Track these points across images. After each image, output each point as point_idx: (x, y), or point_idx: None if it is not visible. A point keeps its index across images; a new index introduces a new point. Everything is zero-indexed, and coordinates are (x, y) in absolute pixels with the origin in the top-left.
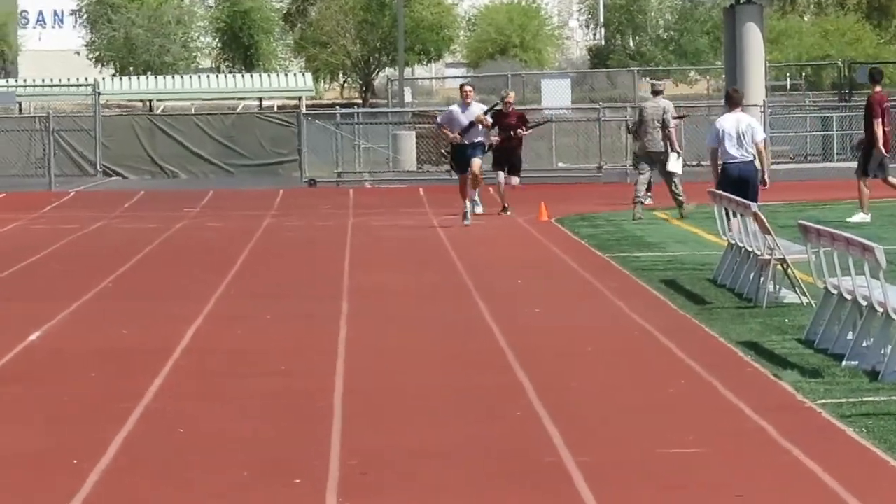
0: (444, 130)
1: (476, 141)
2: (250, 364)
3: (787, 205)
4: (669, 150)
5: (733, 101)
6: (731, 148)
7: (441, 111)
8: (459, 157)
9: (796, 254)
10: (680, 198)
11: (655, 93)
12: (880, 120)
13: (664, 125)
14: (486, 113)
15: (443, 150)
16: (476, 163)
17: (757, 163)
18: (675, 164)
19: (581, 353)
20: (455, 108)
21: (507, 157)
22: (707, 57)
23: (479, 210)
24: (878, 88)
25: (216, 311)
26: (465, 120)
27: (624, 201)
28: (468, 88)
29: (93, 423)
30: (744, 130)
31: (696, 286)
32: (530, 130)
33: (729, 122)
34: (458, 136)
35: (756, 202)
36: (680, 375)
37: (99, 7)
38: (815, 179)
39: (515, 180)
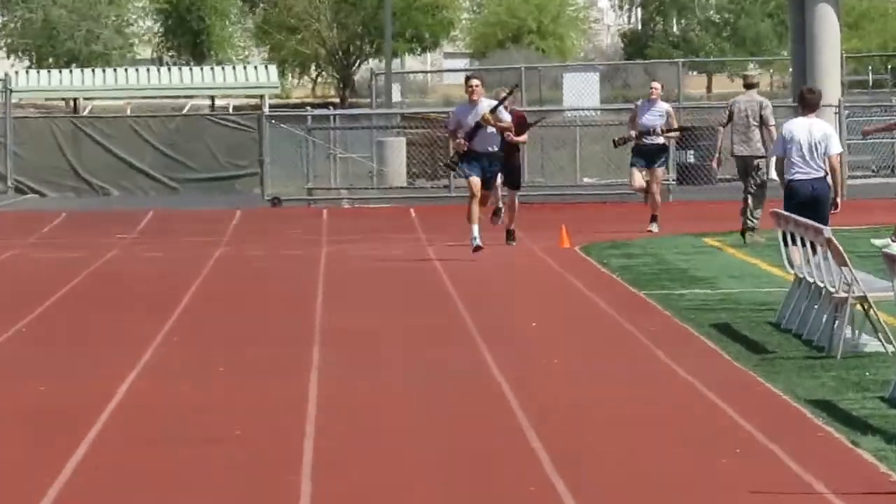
0: (458, 139)
1: (491, 150)
2: (198, 428)
3: (868, 229)
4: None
5: (808, 103)
6: (800, 161)
7: (445, 113)
8: (470, 162)
9: (880, 291)
10: (752, 222)
11: (749, 86)
12: None
13: (763, 123)
14: (494, 110)
15: (450, 160)
16: (491, 194)
17: (829, 179)
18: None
19: (611, 414)
20: (459, 109)
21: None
22: (769, 45)
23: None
24: None
25: (156, 363)
26: (470, 121)
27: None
28: (475, 82)
29: None
30: (818, 140)
31: (754, 331)
32: (523, 137)
33: (800, 129)
34: (464, 143)
35: (827, 225)
36: (735, 443)
37: None
38: None
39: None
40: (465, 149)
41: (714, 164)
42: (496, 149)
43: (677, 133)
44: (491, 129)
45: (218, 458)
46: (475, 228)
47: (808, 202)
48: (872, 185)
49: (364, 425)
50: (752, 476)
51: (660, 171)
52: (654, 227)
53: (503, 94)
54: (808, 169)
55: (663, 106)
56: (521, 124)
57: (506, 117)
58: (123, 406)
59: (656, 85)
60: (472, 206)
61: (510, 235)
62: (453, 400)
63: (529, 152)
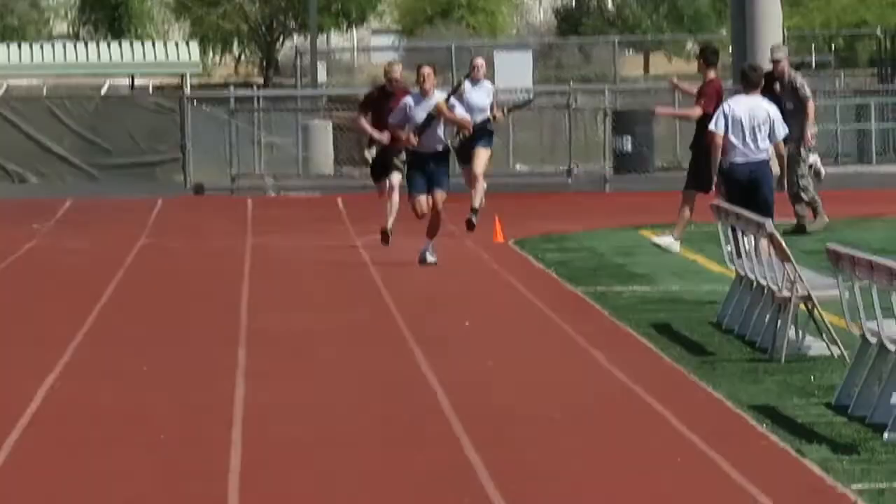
0: (398, 132)
1: (438, 150)
2: (120, 432)
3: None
4: (805, 139)
5: (750, 81)
6: (740, 143)
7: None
8: (414, 175)
9: (825, 289)
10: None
11: (776, 61)
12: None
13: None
14: (447, 98)
15: (366, 154)
16: (441, 197)
17: (773, 165)
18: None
19: (545, 419)
20: (409, 100)
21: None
22: (709, 23)
23: (431, 259)
24: (711, 74)
25: (75, 363)
26: (421, 113)
27: (602, 214)
28: (426, 70)
29: None
30: (761, 122)
31: (695, 332)
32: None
33: (741, 108)
34: (413, 138)
35: (772, 217)
36: (675, 451)
37: None
38: (849, 188)
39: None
40: (415, 143)
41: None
42: (441, 148)
43: (501, 115)
44: (441, 125)
45: (142, 462)
46: (430, 244)
47: (747, 186)
48: None
49: (290, 430)
50: (693, 486)
51: (484, 152)
52: (474, 218)
53: (458, 83)
54: (748, 151)
55: (489, 85)
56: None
57: (460, 111)
58: (42, 410)
59: (479, 62)
60: (414, 209)
61: (472, 219)
62: (384, 405)
63: None
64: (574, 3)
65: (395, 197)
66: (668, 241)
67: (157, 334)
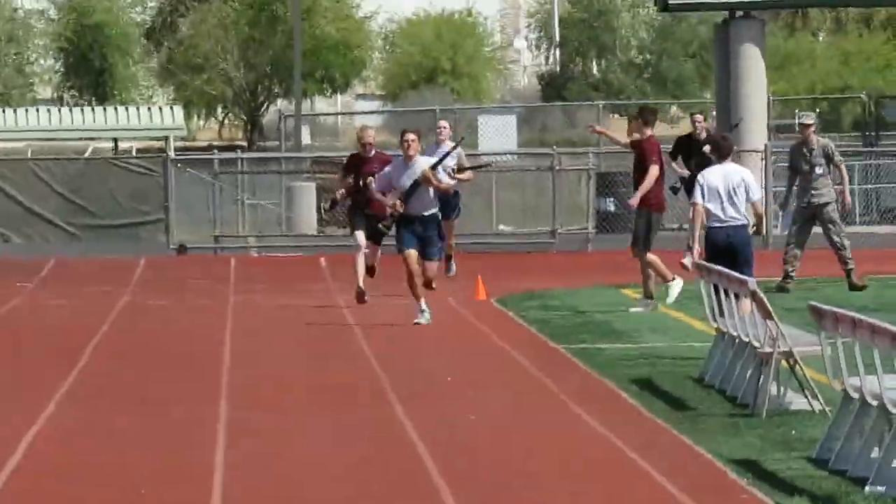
0: (378, 197)
1: (427, 214)
2: (101, 488)
3: (795, 280)
4: (841, 198)
5: (722, 150)
6: (718, 209)
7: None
8: (404, 233)
9: (806, 345)
10: (851, 265)
11: (805, 125)
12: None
13: (831, 161)
14: (434, 167)
15: (325, 205)
16: (432, 271)
17: (750, 227)
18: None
19: (529, 474)
20: (390, 168)
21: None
22: (693, 87)
23: (421, 320)
24: (649, 132)
25: (57, 419)
26: (406, 180)
27: (584, 273)
28: (410, 136)
29: None
30: (735, 186)
31: (677, 387)
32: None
33: (716, 177)
34: (398, 205)
35: (752, 276)
36: None
37: None
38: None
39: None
40: (401, 210)
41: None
42: (434, 210)
43: (471, 174)
44: (428, 190)
45: None
46: (423, 304)
47: (725, 250)
48: None
49: (273, 489)
50: None
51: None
52: (452, 271)
53: (447, 150)
54: (725, 217)
55: (448, 147)
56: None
57: (445, 178)
58: (21, 468)
59: (444, 124)
60: (412, 281)
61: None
62: (367, 462)
63: None
64: (558, 69)
65: (361, 258)
66: (645, 304)
67: (139, 391)
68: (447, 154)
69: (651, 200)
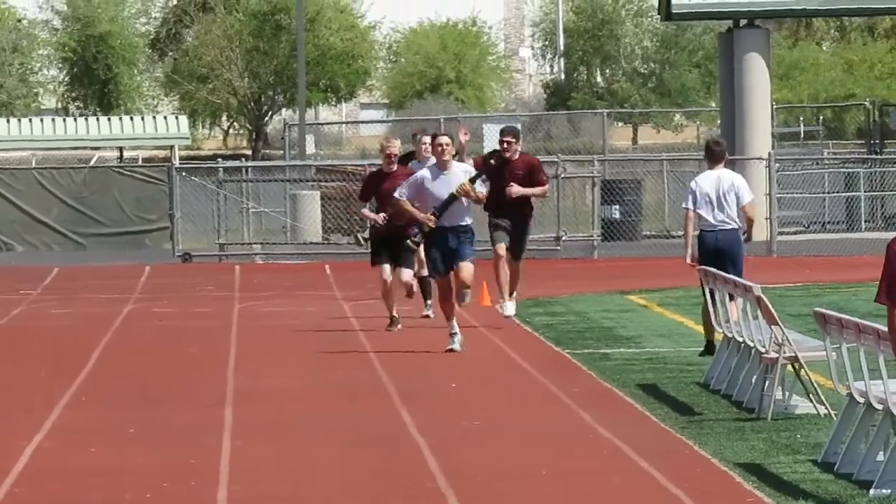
0: (410, 209)
1: (462, 225)
2: (106, 492)
3: (800, 287)
4: None
5: (715, 155)
6: (708, 214)
7: (360, 166)
8: (434, 254)
9: (812, 351)
10: None
11: None
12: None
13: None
14: (475, 179)
15: (358, 233)
16: (468, 270)
17: (741, 231)
18: None
19: (534, 477)
20: (424, 173)
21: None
22: (696, 96)
23: (454, 346)
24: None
25: (63, 423)
26: (442, 191)
27: (590, 280)
28: (444, 140)
29: None
30: (725, 190)
31: (682, 392)
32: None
33: (707, 182)
34: (433, 219)
35: (740, 276)
36: None
37: None
38: (837, 254)
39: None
40: (432, 223)
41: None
42: (469, 221)
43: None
44: (465, 202)
45: None
46: (454, 324)
47: (714, 253)
48: (803, 242)
49: (277, 489)
50: None
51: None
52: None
53: (492, 161)
54: (714, 222)
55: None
56: (531, 169)
57: (482, 189)
58: (29, 470)
59: (427, 140)
60: (446, 303)
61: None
62: (372, 465)
63: None
64: (563, 78)
65: (398, 288)
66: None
67: (145, 395)
68: (486, 168)
69: (529, 210)
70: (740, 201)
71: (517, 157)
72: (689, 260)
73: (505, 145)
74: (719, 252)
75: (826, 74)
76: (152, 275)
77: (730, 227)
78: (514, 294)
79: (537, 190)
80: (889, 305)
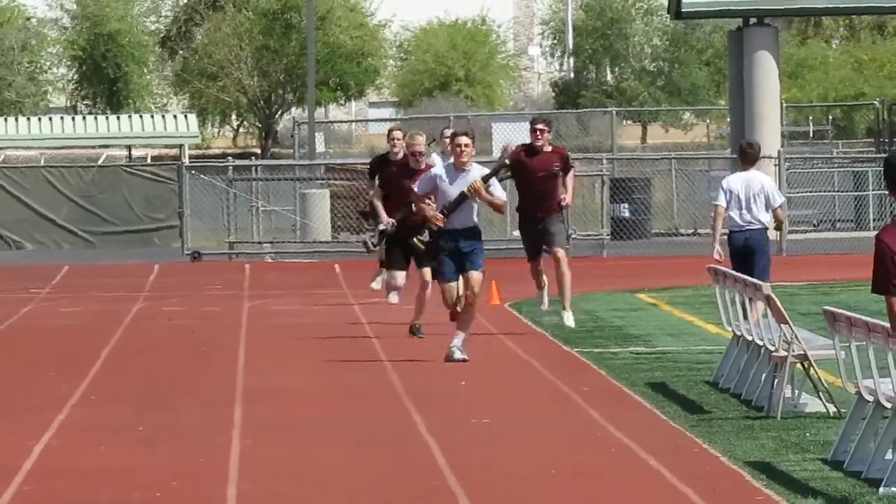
0: (422, 205)
1: (471, 227)
2: (116, 490)
3: (809, 286)
4: None
5: (748, 157)
6: (737, 214)
7: (369, 164)
8: (443, 257)
9: (821, 349)
10: None
11: None
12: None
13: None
14: (488, 178)
15: (368, 227)
16: (477, 280)
17: (770, 232)
18: None
19: (543, 476)
20: (439, 170)
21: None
22: (706, 95)
23: (460, 356)
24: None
25: (72, 422)
26: (456, 192)
27: (599, 278)
28: (465, 140)
29: None
30: (756, 193)
31: (691, 391)
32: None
33: (738, 183)
34: (441, 217)
35: (767, 280)
36: None
37: None
38: (846, 253)
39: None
40: (441, 224)
41: None
42: (475, 222)
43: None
44: (474, 201)
45: None
46: (458, 339)
47: (741, 253)
48: (813, 240)
49: (287, 488)
50: None
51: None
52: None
53: (505, 161)
54: (742, 222)
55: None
56: (563, 160)
57: (499, 192)
58: (38, 468)
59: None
60: (454, 312)
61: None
62: (381, 463)
63: None
64: (572, 76)
65: (426, 293)
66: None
67: (154, 394)
68: (501, 165)
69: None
70: (771, 204)
71: (549, 148)
72: (716, 256)
73: (537, 133)
74: (748, 250)
75: (835, 73)
76: (161, 273)
77: (757, 227)
78: (568, 304)
79: (574, 183)
80: (886, 294)
